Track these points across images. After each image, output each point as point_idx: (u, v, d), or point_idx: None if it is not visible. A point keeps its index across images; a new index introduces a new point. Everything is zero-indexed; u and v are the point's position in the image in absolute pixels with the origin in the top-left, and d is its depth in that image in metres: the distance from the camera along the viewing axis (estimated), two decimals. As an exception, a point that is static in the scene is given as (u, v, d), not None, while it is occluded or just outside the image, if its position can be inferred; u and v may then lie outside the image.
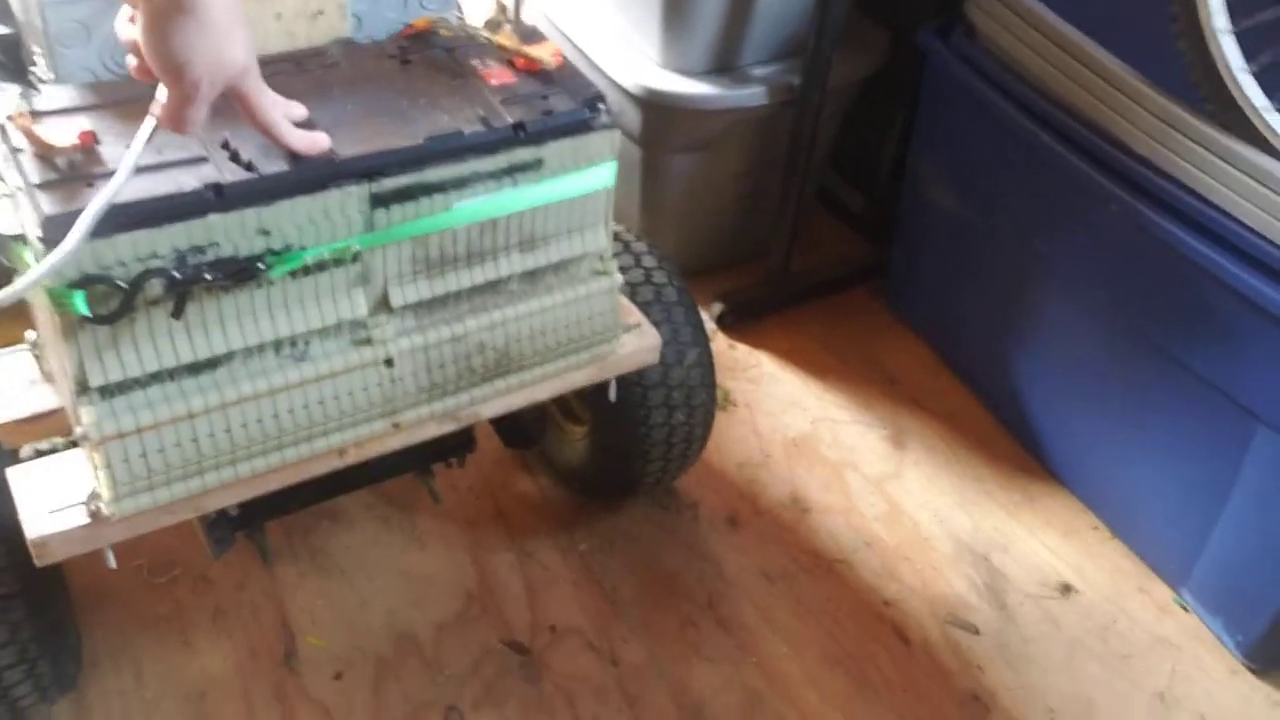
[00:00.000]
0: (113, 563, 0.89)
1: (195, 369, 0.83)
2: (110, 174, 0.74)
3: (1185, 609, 1.34)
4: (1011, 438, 1.55)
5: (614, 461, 1.29)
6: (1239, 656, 1.28)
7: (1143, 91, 1.17)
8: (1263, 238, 1.08)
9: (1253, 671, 1.27)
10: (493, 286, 0.95)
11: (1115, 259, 1.28)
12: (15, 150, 0.76)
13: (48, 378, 1.02)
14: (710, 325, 1.67)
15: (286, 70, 0.88)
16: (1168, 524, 1.34)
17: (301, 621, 1.22)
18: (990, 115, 1.37)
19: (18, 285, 0.68)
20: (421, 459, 1.16)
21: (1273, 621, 1.22)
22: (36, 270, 0.68)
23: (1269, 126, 1.08)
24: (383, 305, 0.90)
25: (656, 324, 1.14)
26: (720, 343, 1.67)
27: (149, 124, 0.73)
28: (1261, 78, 1.09)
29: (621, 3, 1.56)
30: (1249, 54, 1.09)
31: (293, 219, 0.80)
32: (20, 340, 1.05)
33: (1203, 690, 1.25)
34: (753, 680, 1.22)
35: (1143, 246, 1.22)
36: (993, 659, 1.27)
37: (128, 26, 0.72)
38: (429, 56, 0.93)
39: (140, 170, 0.75)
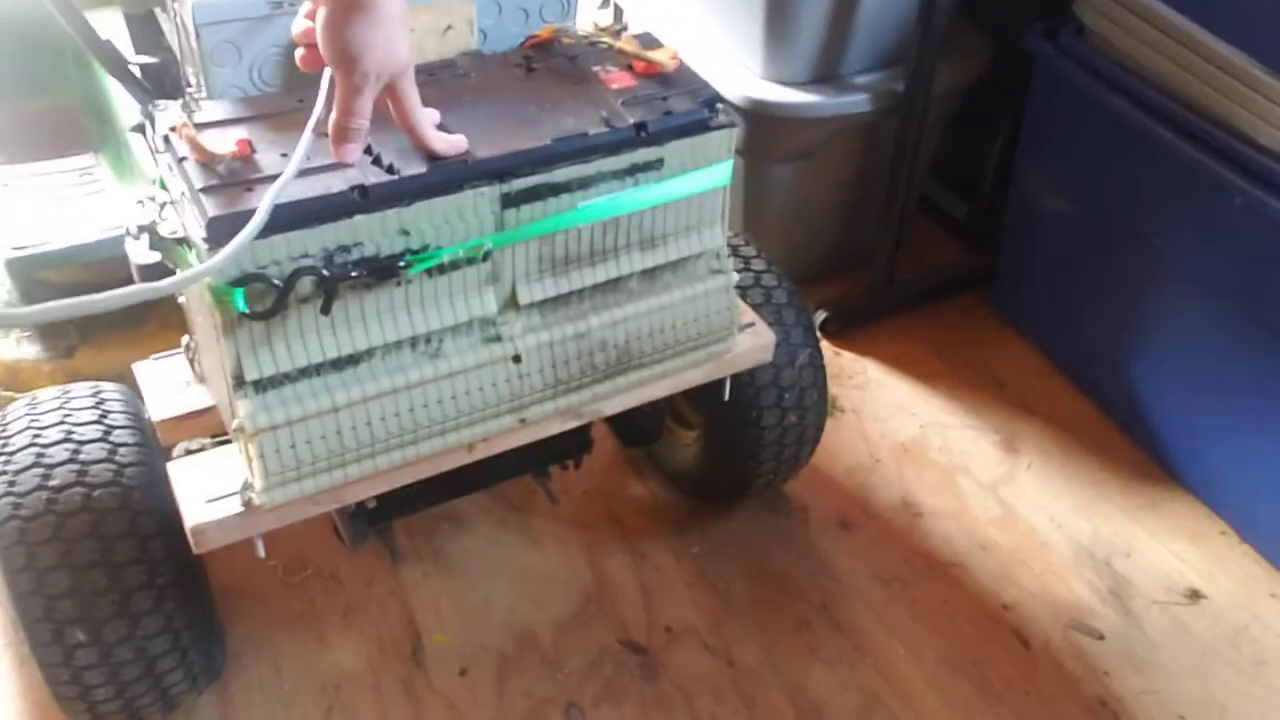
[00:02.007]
0: (262, 552, 0.93)
1: (339, 364, 0.88)
2: (267, 178, 0.80)
3: (1323, 615, 1.29)
4: (1129, 440, 1.52)
5: (726, 464, 1.31)
6: (1384, 664, 1.22)
7: (1264, 80, 1.15)
8: (1399, 223, 1.05)
9: (1400, 680, 1.22)
10: (614, 284, 0.98)
11: (1240, 252, 1.25)
12: (180, 159, 0.82)
13: (200, 379, 1.08)
14: (816, 334, 1.67)
15: (420, 81, 0.92)
16: (1301, 527, 1.29)
17: (427, 619, 1.26)
18: (1104, 114, 1.36)
19: (200, 268, 0.74)
20: (540, 460, 1.20)
21: None
22: (236, 241, 0.72)
23: (1402, 109, 1.05)
24: (511, 303, 0.94)
25: (767, 325, 1.15)
26: (826, 350, 1.67)
27: (310, 127, 0.78)
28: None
29: (722, 16, 1.59)
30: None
31: (430, 219, 0.85)
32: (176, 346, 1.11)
33: (1346, 698, 1.20)
34: (870, 682, 1.21)
35: (1269, 238, 1.19)
36: (1119, 664, 1.24)
37: (301, 22, 0.78)
38: (552, 64, 0.97)
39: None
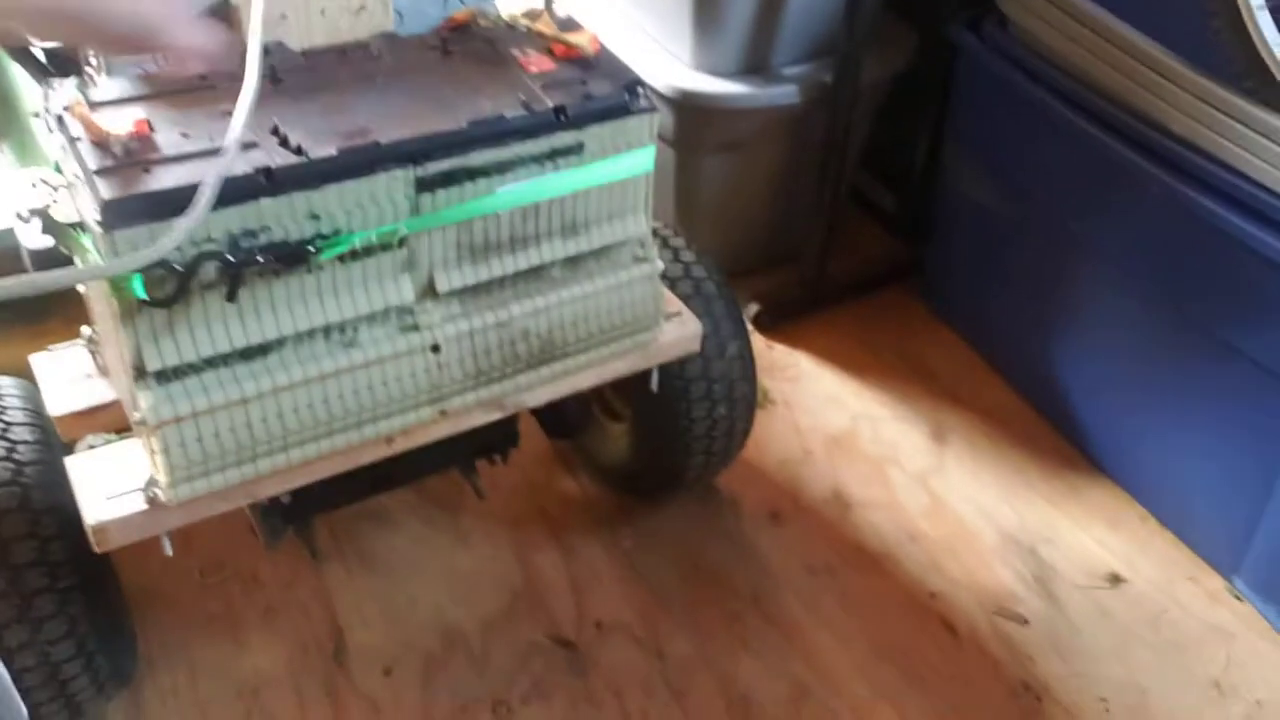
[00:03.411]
0: (169, 549, 0.90)
1: (248, 354, 0.85)
2: (167, 159, 0.76)
3: (1239, 597, 1.31)
4: (1054, 430, 1.54)
5: (656, 457, 1.30)
6: (1297, 644, 1.25)
7: (1179, 71, 1.17)
8: (1307, 212, 1.08)
9: (1312, 658, 1.25)
10: (536, 273, 0.96)
11: (1158, 242, 1.27)
12: (73, 139, 0.78)
13: (103, 371, 1.04)
14: (747, 326, 1.67)
15: (330, 61, 0.90)
16: (1218, 512, 1.32)
17: (350, 619, 1.23)
18: (1026, 105, 1.37)
19: (148, 251, 0.70)
20: (466, 454, 1.17)
21: (1331, 606, 1.20)
22: (177, 229, 0.70)
23: (1309, 100, 1.08)
24: (429, 291, 0.91)
25: (697, 316, 1.14)
26: (758, 343, 1.67)
27: (243, 99, 0.74)
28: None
29: (651, 6, 1.58)
30: (1286, 28, 1.09)
31: (341, 203, 0.82)
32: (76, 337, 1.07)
33: (1260, 677, 1.23)
34: (800, 672, 1.21)
35: (1186, 227, 1.21)
36: (1043, 649, 1.25)
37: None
38: (470, 47, 0.94)
39: (192, 156, 0.77)
